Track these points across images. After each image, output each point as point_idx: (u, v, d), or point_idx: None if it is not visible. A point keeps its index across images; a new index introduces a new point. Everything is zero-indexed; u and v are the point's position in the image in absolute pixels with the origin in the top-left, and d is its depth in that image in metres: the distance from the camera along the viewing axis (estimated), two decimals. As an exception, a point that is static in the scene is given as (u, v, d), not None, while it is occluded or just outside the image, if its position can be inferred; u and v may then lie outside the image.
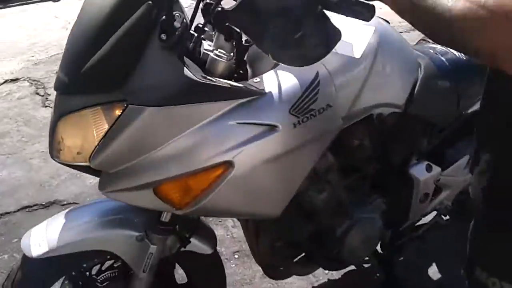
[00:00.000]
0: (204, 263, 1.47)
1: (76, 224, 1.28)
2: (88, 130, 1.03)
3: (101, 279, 1.37)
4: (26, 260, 1.26)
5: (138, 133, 1.02)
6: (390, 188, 1.62)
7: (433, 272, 2.08)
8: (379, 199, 1.55)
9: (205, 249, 1.41)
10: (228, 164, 1.09)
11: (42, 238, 1.25)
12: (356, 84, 1.26)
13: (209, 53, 1.12)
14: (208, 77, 1.05)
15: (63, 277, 1.34)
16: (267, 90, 1.12)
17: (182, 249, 1.36)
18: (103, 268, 1.38)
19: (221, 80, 1.08)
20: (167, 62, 1.00)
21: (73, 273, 1.34)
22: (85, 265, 1.33)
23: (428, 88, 1.51)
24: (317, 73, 1.17)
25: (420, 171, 1.62)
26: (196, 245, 1.39)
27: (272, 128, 1.12)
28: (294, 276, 1.74)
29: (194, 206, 1.12)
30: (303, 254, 1.57)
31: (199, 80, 1.01)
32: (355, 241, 1.49)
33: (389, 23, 1.47)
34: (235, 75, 1.17)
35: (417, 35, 2.05)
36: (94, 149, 1.03)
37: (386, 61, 1.35)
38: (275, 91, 1.13)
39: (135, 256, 1.29)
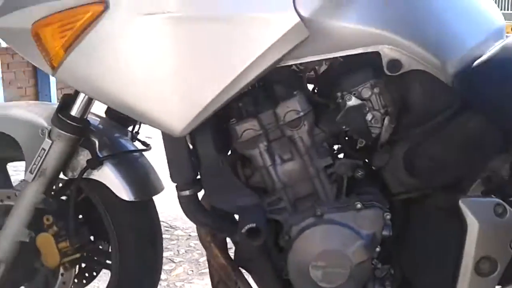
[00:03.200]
0: (120, 210, 1.12)
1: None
2: None
3: None
4: None
5: None
6: (414, 215, 1.01)
7: None
8: (381, 212, 0.96)
9: (119, 188, 1.07)
10: (101, 6, 0.84)
11: None
12: None
13: None
14: None
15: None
16: None
17: (87, 175, 1.08)
18: None
19: None
20: None
21: None
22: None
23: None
24: None
25: (481, 210, 0.96)
26: (108, 175, 1.07)
27: None
28: None
29: (62, 63, 0.89)
30: None
31: None
32: (306, 250, 0.93)
33: None
34: None
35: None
36: None
37: None
38: None
39: (30, 149, 1.07)
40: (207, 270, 2.06)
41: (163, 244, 1.28)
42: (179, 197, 0.97)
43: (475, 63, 0.93)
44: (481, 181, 1.00)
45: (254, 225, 0.89)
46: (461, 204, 0.96)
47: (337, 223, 0.94)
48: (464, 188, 1.00)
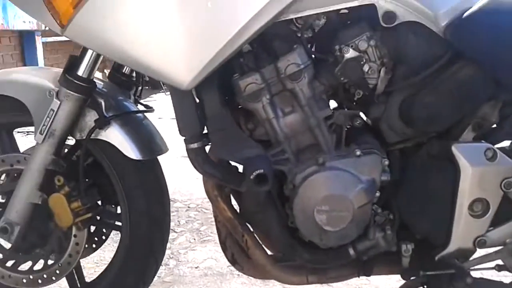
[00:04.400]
0: (127, 170, 1.16)
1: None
2: None
3: None
4: None
5: None
6: (410, 162, 1.07)
7: None
8: (379, 158, 1.01)
9: (126, 147, 1.11)
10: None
11: None
12: None
13: None
14: None
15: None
16: None
17: (95, 136, 1.12)
18: None
19: None
20: None
21: None
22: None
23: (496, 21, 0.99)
24: None
25: (473, 154, 1.02)
26: (115, 135, 1.11)
27: None
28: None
29: (71, 21, 0.91)
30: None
31: None
32: (310, 196, 0.99)
33: None
34: None
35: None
36: None
37: None
38: None
39: (39, 112, 1.11)
40: (209, 238, 2.13)
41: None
42: (187, 150, 1.00)
43: (466, 13, 0.97)
44: (471, 127, 1.05)
45: (261, 171, 0.93)
46: (453, 149, 1.02)
47: (339, 169, 0.99)
48: (456, 135, 1.06)
